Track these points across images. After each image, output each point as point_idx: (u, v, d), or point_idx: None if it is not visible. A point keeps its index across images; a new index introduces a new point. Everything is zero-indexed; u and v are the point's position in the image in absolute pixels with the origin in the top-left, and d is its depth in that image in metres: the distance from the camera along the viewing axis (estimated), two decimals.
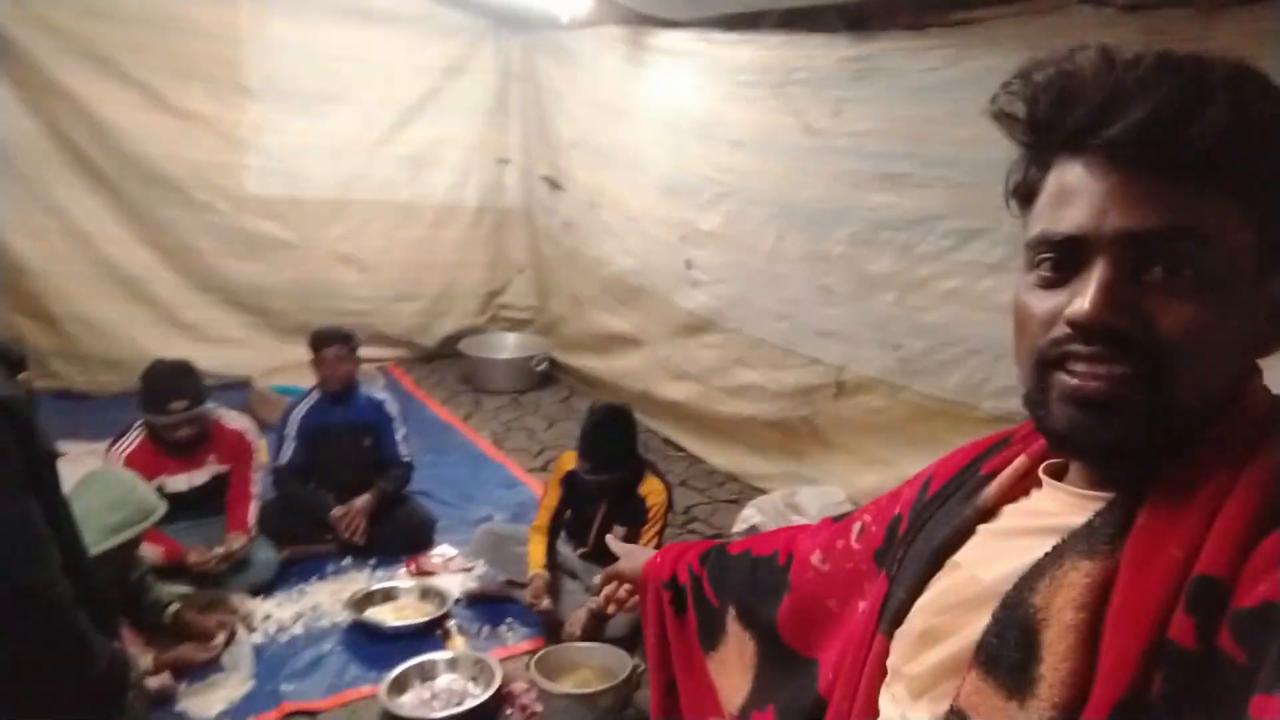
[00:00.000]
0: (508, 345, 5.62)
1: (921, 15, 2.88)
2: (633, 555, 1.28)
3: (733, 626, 1.07)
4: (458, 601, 3.02)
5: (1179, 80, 0.56)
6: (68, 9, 4.07)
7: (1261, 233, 0.58)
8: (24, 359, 1.24)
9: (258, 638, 2.79)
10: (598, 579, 1.30)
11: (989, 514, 0.73)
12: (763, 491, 3.79)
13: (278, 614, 2.92)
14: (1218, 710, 0.50)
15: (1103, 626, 0.56)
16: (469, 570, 3.21)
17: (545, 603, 2.82)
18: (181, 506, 3.06)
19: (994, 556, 0.67)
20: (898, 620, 0.73)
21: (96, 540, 2.28)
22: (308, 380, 3.52)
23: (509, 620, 2.96)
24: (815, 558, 0.97)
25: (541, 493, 3.18)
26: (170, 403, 2.95)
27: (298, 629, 2.86)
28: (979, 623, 0.63)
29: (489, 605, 3.03)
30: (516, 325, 5.88)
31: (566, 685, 2.46)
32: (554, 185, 5.26)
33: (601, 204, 4.86)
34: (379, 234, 5.26)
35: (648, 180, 4.44)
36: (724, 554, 1.14)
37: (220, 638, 2.60)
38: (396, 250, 5.35)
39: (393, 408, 3.51)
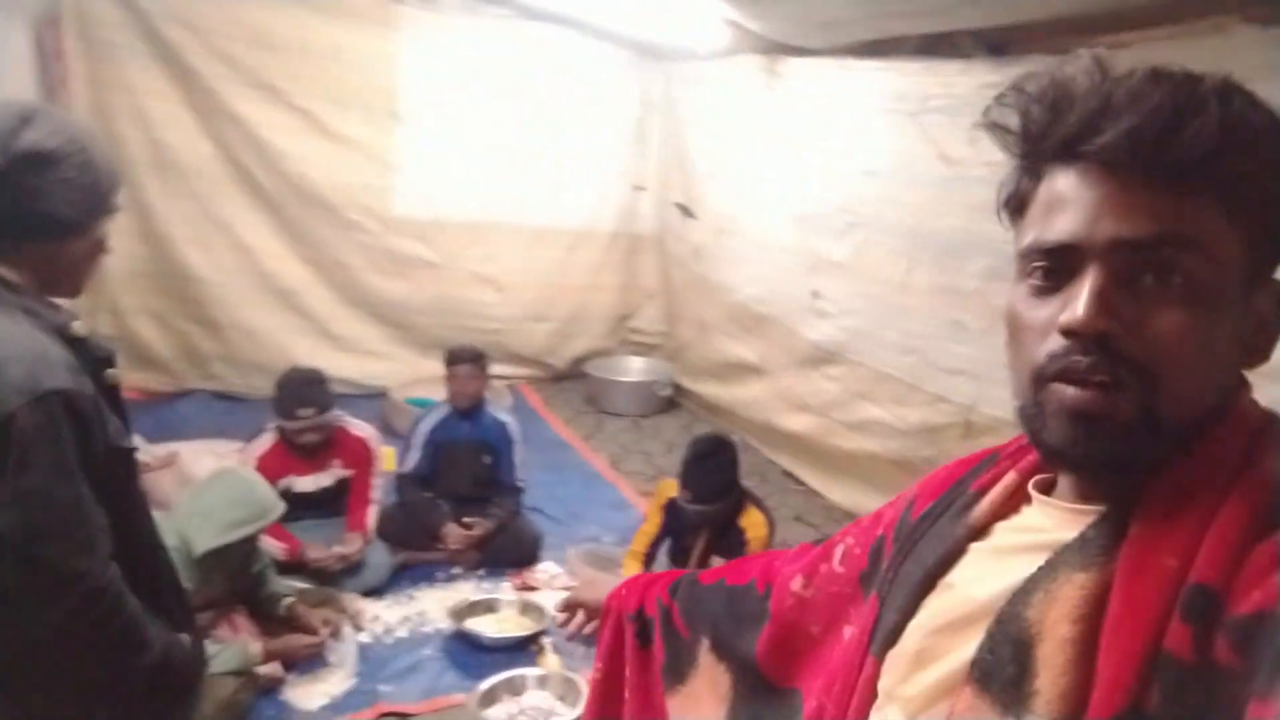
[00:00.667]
0: (633, 369, 5.66)
1: (1064, 39, 2.71)
2: (595, 584, 1.26)
3: (706, 659, 1.04)
4: (556, 619, 3.03)
5: (1170, 90, 0.57)
6: (241, 41, 4.42)
7: (1249, 244, 0.58)
8: (112, 356, 1.29)
9: (365, 637, 2.89)
10: (555, 605, 1.25)
11: (981, 532, 0.72)
12: None
13: (385, 616, 3.02)
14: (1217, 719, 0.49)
15: (1099, 639, 0.55)
16: (571, 589, 3.22)
17: None
18: (307, 506, 3.24)
19: (987, 574, 0.67)
20: (890, 642, 0.72)
21: (218, 534, 2.44)
22: (441, 395, 3.65)
23: None
24: (796, 583, 0.93)
25: None
26: (299, 409, 3.12)
27: (402, 632, 2.95)
28: (973, 641, 0.62)
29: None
30: (645, 350, 5.92)
31: None
32: (686, 212, 5.28)
33: (731, 231, 4.84)
34: (516, 256, 5.42)
35: (778, 209, 4.39)
36: (696, 584, 1.11)
37: (324, 633, 2.71)
38: (532, 272, 5.50)
39: (514, 430, 3.58)
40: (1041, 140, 0.62)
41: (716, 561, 2.90)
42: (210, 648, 2.40)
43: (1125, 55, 2.14)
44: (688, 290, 5.43)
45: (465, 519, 3.41)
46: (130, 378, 4.62)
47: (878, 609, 0.76)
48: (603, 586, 1.23)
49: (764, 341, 4.61)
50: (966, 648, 0.63)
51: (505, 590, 3.22)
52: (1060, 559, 0.60)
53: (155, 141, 4.43)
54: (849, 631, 0.82)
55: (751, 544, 2.82)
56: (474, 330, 5.21)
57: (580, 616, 1.24)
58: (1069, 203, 0.60)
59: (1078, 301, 0.58)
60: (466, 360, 3.49)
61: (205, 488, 2.60)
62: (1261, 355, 0.63)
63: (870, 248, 3.76)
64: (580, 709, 2.47)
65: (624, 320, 5.97)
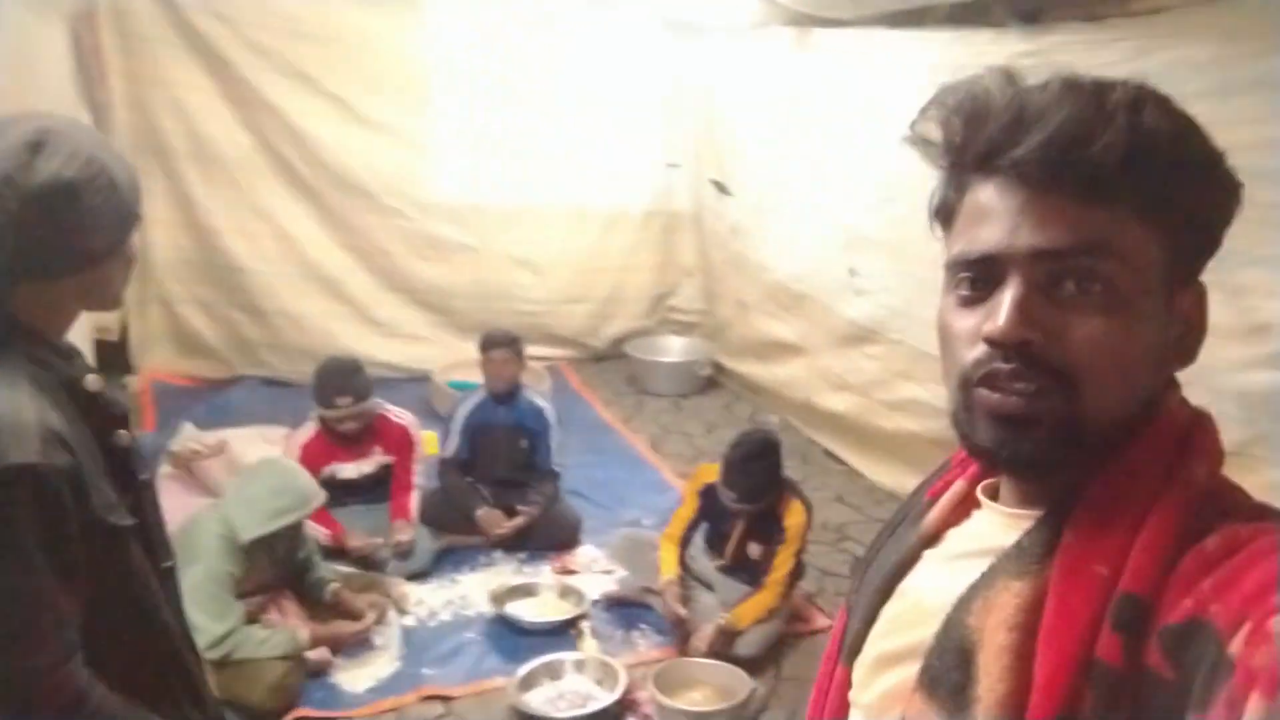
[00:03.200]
0: (673, 349, 5.65)
1: (1100, 6, 2.63)
2: None
3: None
4: (595, 603, 3.08)
5: (1079, 103, 0.57)
6: (273, 31, 4.46)
7: (1168, 248, 0.60)
8: (125, 415, 1.19)
9: (409, 621, 2.97)
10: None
11: (934, 539, 0.74)
12: None
13: (429, 599, 3.10)
14: None
15: (1035, 646, 0.56)
16: (610, 573, 3.27)
17: (683, 610, 2.81)
18: (351, 492, 3.32)
19: (938, 581, 0.68)
20: (856, 650, 0.74)
21: (262, 522, 2.52)
22: (482, 376, 3.65)
23: (642, 626, 2.99)
24: None
25: None
26: (337, 397, 3.18)
27: (446, 615, 3.02)
28: (924, 647, 0.63)
29: (625, 609, 3.07)
30: (684, 329, 5.90)
31: (683, 702, 2.45)
32: (721, 189, 5.23)
33: (767, 208, 4.79)
34: (552, 238, 5.43)
35: (813, 184, 4.32)
36: None
37: (370, 618, 2.78)
38: (569, 253, 5.50)
39: (551, 415, 3.60)
40: (962, 153, 0.64)
41: (754, 549, 2.91)
42: (260, 632, 2.50)
43: (1160, 21, 2.06)
44: (726, 268, 5.39)
45: (505, 504, 3.45)
46: (182, 365, 4.78)
47: (846, 618, 0.79)
48: None
49: (803, 320, 4.57)
50: (918, 654, 0.64)
51: (545, 574, 3.27)
52: (999, 566, 0.62)
53: (194, 133, 4.51)
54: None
55: (790, 532, 2.82)
56: (512, 312, 5.26)
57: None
58: (990, 214, 0.61)
59: (999, 311, 0.59)
60: (500, 345, 3.52)
61: (249, 477, 2.68)
62: (1188, 357, 0.64)
63: (906, 224, 3.69)
64: (618, 693, 2.51)
65: (662, 299, 5.95)
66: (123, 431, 1.17)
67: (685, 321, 5.93)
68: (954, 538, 0.72)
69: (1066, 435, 0.59)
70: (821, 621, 3.06)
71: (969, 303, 0.63)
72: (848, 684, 0.75)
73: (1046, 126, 0.57)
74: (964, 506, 0.73)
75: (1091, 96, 0.58)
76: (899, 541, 0.76)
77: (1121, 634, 0.53)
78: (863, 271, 4.03)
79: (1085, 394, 0.59)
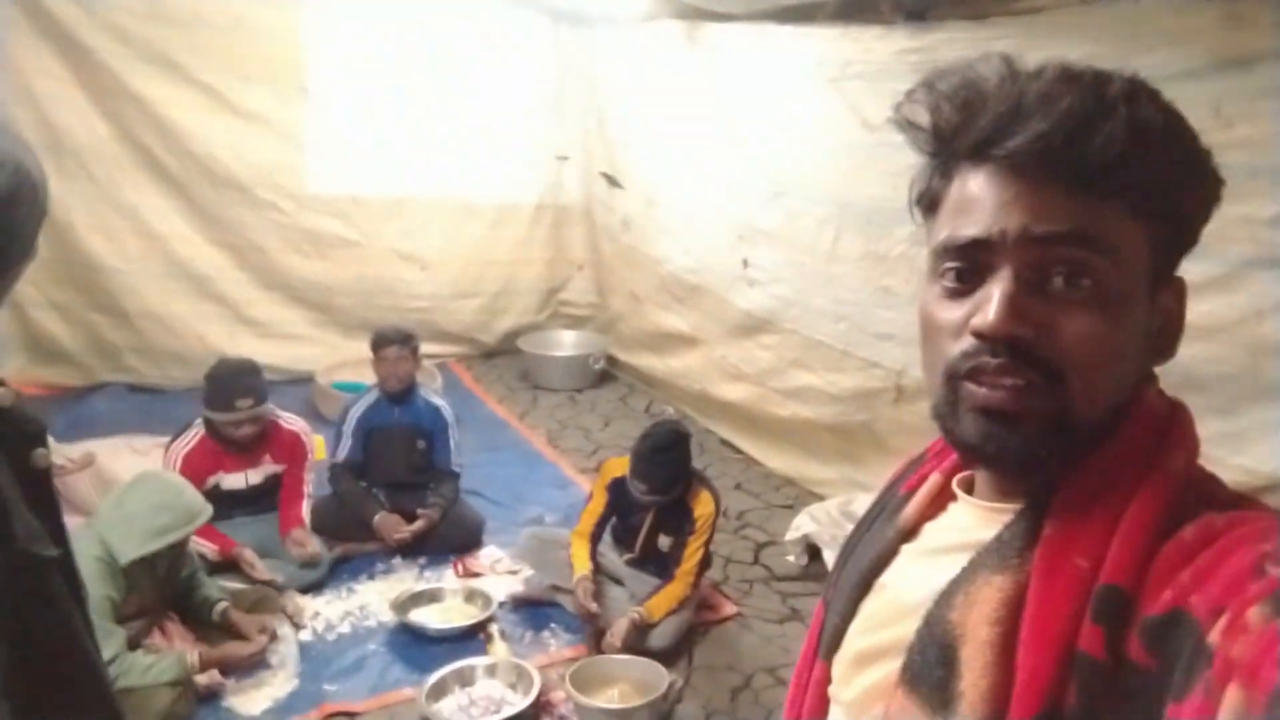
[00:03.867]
0: (566, 343, 5.61)
1: (983, 4, 2.74)
2: None
3: None
4: (502, 605, 3.02)
5: (1079, 93, 0.57)
6: (135, 14, 4.17)
7: (1155, 245, 0.60)
8: (41, 433, 1.06)
9: (305, 635, 2.82)
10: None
11: (911, 533, 0.73)
12: (820, 497, 3.70)
13: (326, 612, 2.96)
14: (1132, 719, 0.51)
15: (1017, 640, 0.56)
16: (515, 573, 3.21)
17: (595, 606, 2.78)
18: (236, 503, 3.14)
19: (917, 576, 0.67)
20: (834, 646, 0.73)
21: (143, 542, 2.35)
22: (370, 377, 3.54)
23: (552, 626, 2.95)
24: None
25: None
26: (236, 400, 3.00)
27: (345, 628, 2.89)
28: (905, 643, 0.63)
29: (533, 609, 3.02)
30: (577, 322, 5.87)
31: (601, 699, 2.42)
32: (612, 182, 5.22)
33: (659, 201, 4.80)
34: (439, 232, 5.29)
35: (705, 177, 4.37)
36: None
37: (261, 641, 2.63)
38: (457, 247, 5.38)
39: (449, 414, 3.50)
40: (952, 140, 0.62)
41: (664, 541, 2.91)
42: (145, 658, 2.33)
43: (1040, 21, 2.16)
44: (618, 261, 5.38)
45: (402, 508, 3.34)
46: (36, 374, 4.41)
47: (823, 613, 0.78)
48: None
49: (697, 311, 4.61)
50: (898, 650, 0.63)
51: (448, 578, 3.18)
52: (979, 560, 0.61)
53: (47, 123, 4.17)
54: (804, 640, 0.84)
55: (700, 522, 2.83)
56: (399, 309, 5.11)
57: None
58: (980, 202, 0.61)
59: (989, 305, 0.59)
60: (394, 342, 3.39)
61: (127, 493, 2.49)
62: (1168, 352, 0.65)
63: (798, 216, 3.77)
64: (533, 695, 2.46)
65: (554, 293, 5.89)
66: (41, 450, 1.05)
67: (578, 315, 5.90)
68: (931, 531, 0.72)
69: (1053, 431, 0.59)
70: (729, 609, 3.09)
71: (955, 294, 0.62)
72: (826, 680, 0.74)
73: (1046, 117, 0.56)
74: (940, 500, 0.73)
75: (1090, 88, 0.57)
76: (875, 536, 0.75)
77: (1103, 626, 0.53)
78: (755, 262, 4.09)
79: (1073, 390, 0.58)
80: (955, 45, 2.88)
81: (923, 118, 0.63)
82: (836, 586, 0.77)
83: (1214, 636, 0.47)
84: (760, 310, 4.10)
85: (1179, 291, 0.64)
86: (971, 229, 0.60)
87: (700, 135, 4.36)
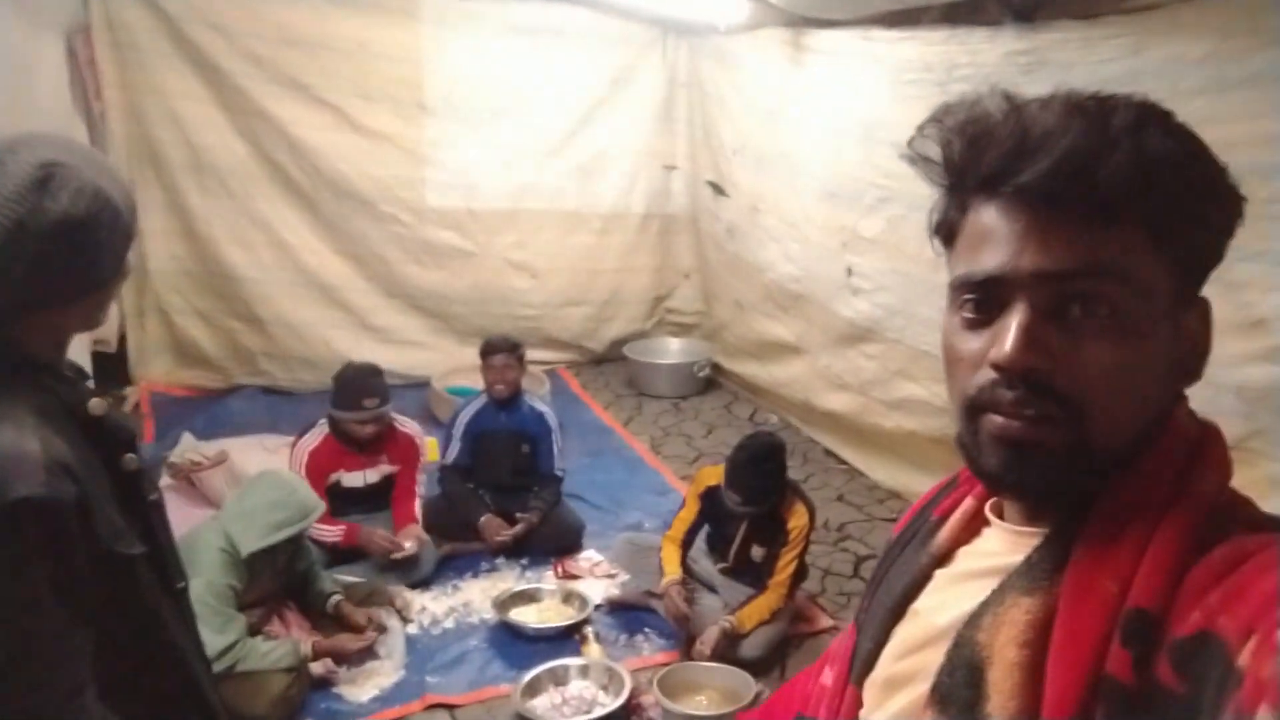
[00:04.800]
0: (671, 350, 5.66)
1: (1094, 3, 2.63)
2: None
3: None
4: (599, 607, 3.08)
5: (1084, 126, 0.57)
6: (268, 40, 4.46)
7: (1174, 269, 0.60)
8: (132, 439, 1.18)
9: (412, 629, 2.96)
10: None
11: (944, 558, 0.73)
12: None
13: (432, 607, 3.09)
14: None
15: (1046, 662, 0.56)
16: (613, 577, 3.27)
17: (685, 607, 2.81)
18: (352, 501, 3.31)
19: (949, 600, 0.68)
20: (867, 670, 0.73)
21: (262, 535, 2.52)
22: (482, 383, 3.65)
23: (646, 630, 2.99)
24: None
25: None
26: (363, 400, 3.18)
27: (449, 623, 3.02)
28: (935, 665, 0.63)
29: (628, 613, 3.07)
30: (683, 330, 5.91)
31: (688, 705, 2.45)
32: (718, 190, 5.23)
33: (763, 209, 4.79)
34: (549, 241, 5.43)
35: (809, 185, 4.32)
36: None
37: (370, 633, 2.77)
38: (566, 256, 5.50)
39: (552, 420, 3.59)
40: (963, 175, 0.63)
41: (757, 551, 2.91)
42: (263, 644, 2.50)
43: (1155, 18, 2.06)
44: (723, 269, 5.39)
45: (506, 510, 3.45)
46: (180, 375, 4.77)
47: (855, 638, 0.78)
48: None
49: (800, 320, 4.57)
50: (929, 673, 0.64)
51: (548, 579, 3.27)
52: (1009, 583, 0.61)
53: (191, 143, 4.50)
54: (827, 673, 0.83)
55: (793, 534, 2.82)
56: (511, 317, 5.27)
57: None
58: (994, 236, 0.61)
59: (1006, 337, 0.59)
60: (501, 350, 3.51)
61: (249, 490, 2.68)
62: (1194, 374, 0.64)
63: (902, 223, 3.69)
64: (623, 697, 2.51)
65: (660, 301, 5.95)
66: (130, 455, 1.16)
67: (683, 323, 5.94)
68: (964, 556, 0.72)
69: (1073, 460, 0.59)
70: (825, 622, 3.06)
71: (973, 325, 0.63)
72: (858, 704, 0.74)
73: (1051, 152, 0.57)
74: (973, 524, 0.73)
75: (1095, 119, 0.57)
76: (909, 561, 0.76)
77: (1131, 649, 0.53)
78: (859, 271, 4.03)
79: (1092, 420, 0.58)
80: (1066, 46, 2.77)
81: (935, 152, 0.65)
82: (869, 611, 0.78)
83: (1243, 659, 0.46)
84: (864, 319, 4.03)
85: (1204, 313, 0.64)
86: (987, 265, 0.61)
87: (804, 142, 4.33)
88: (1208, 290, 0.64)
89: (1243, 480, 0.61)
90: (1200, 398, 0.65)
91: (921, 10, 3.36)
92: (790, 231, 4.54)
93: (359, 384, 3.21)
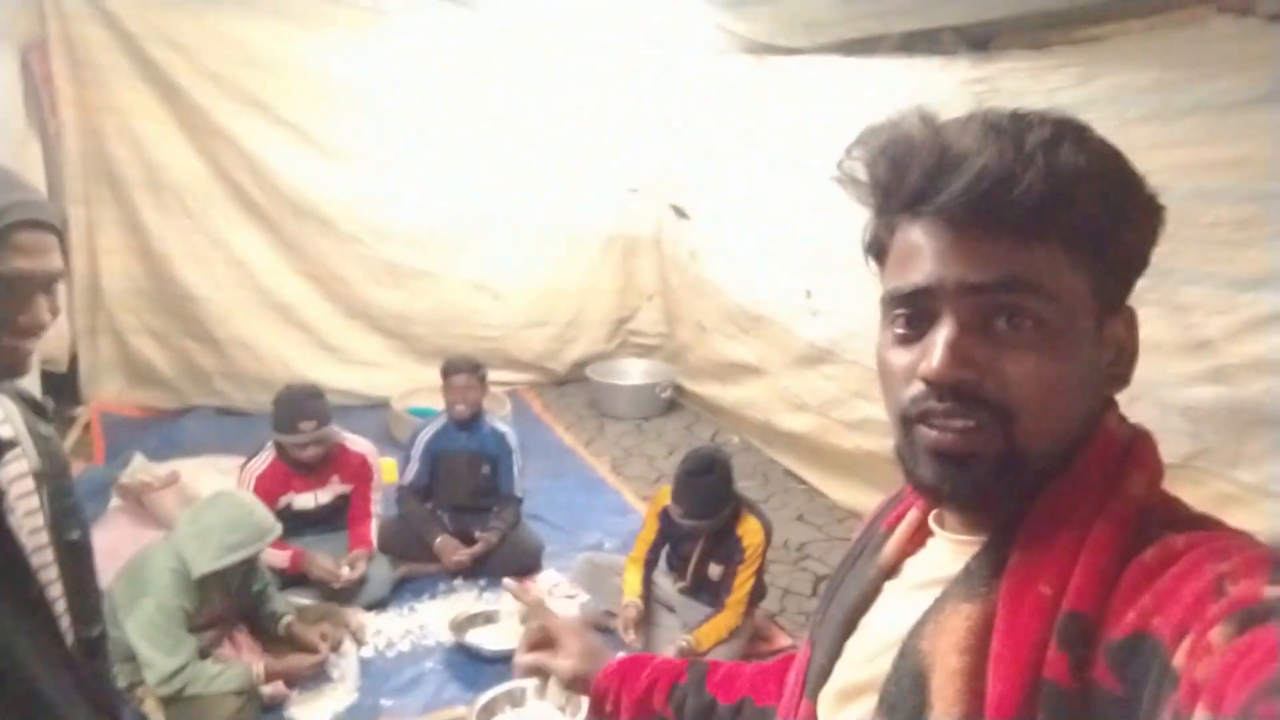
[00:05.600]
0: (633, 372, 5.67)
1: (1044, 34, 2.71)
2: (596, 658, 1.02)
3: None
4: None
5: (998, 145, 0.59)
6: (227, 59, 4.42)
7: (1095, 278, 0.61)
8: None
9: (367, 651, 2.91)
10: (519, 663, 1.03)
11: (892, 570, 0.74)
12: None
13: (387, 629, 3.05)
14: None
15: (986, 668, 0.57)
16: (572, 598, 3.24)
17: (631, 636, 2.80)
18: (307, 523, 3.27)
19: (897, 612, 0.68)
20: (820, 684, 0.74)
21: (216, 557, 2.47)
22: (442, 403, 3.62)
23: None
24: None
25: None
26: (301, 422, 3.14)
27: (404, 645, 2.98)
28: (884, 676, 0.64)
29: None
30: (646, 352, 5.92)
31: None
32: (680, 213, 5.28)
33: (725, 232, 4.84)
34: (512, 262, 5.43)
35: (769, 208, 4.38)
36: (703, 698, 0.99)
37: (324, 649, 2.73)
38: (529, 277, 5.50)
39: (513, 440, 3.58)
40: (889, 195, 0.65)
41: (714, 570, 2.91)
42: (213, 667, 2.44)
43: (1103, 48, 2.12)
44: (685, 291, 5.43)
45: (464, 531, 3.42)
46: (133, 396, 4.68)
47: (809, 652, 0.79)
48: (593, 664, 1.01)
49: (761, 341, 4.61)
50: (878, 684, 0.65)
51: (506, 601, 3.24)
52: (949, 591, 0.63)
53: (148, 161, 4.45)
54: (791, 678, 0.84)
55: (748, 551, 2.82)
56: (472, 338, 5.25)
57: (553, 688, 1.03)
58: (920, 253, 0.63)
59: (933, 351, 0.61)
60: (463, 370, 3.49)
61: (202, 510, 2.63)
62: (1121, 381, 0.65)
63: (860, 246, 3.75)
64: (581, 718, 2.48)
65: (623, 323, 5.97)
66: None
67: (646, 345, 5.96)
68: (911, 567, 0.73)
69: (1005, 468, 0.60)
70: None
71: (904, 340, 0.65)
72: (813, 718, 0.75)
73: (967, 171, 0.59)
74: (919, 536, 0.74)
75: (1010, 138, 0.59)
76: (859, 574, 0.77)
77: (1067, 652, 0.54)
78: (819, 293, 4.08)
79: (1022, 427, 0.60)
80: (1017, 75, 2.85)
81: (862, 174, 0.67)
82: (822, 625, 0.78)
83: (1179, 659, 0.47)
84: (823, 340, 4.08)
85: (1129, 320, 0.65)
86: (913, 279, 0.63)
87: (765, 167, 4.39)
88: (1152, 312, 0.66)
89: (1192, 499, 0.62)
90: (1147, 418, 0.67)
91: (879, 39, 3.44)
92: (751, 255, 4.59)
93: (296, 406, 3.16)
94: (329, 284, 4.99)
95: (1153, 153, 2.41)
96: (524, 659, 1.02)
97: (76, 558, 1.18)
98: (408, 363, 5.22)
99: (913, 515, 0.75)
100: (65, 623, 1.14)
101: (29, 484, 1.13)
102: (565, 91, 5.30)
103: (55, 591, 1.13)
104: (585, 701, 2.47)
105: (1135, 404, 0.66)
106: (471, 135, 5.10)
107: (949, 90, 3.16)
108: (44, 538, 1.13)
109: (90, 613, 1.20)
